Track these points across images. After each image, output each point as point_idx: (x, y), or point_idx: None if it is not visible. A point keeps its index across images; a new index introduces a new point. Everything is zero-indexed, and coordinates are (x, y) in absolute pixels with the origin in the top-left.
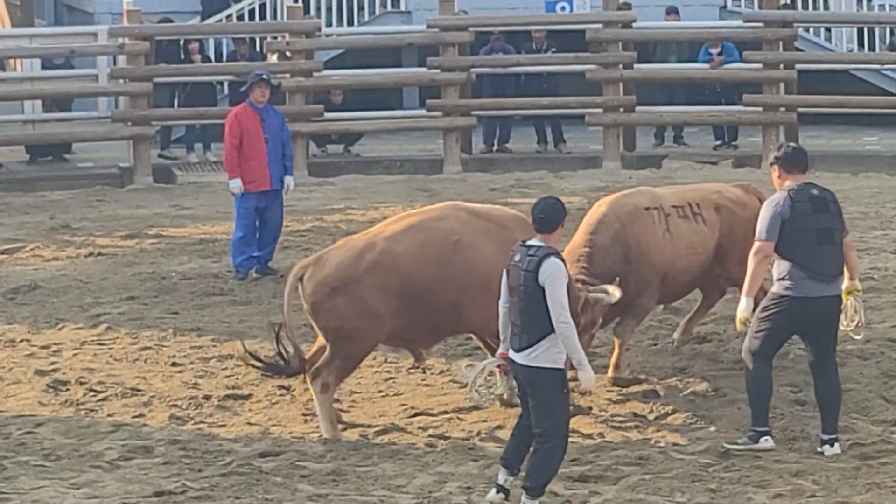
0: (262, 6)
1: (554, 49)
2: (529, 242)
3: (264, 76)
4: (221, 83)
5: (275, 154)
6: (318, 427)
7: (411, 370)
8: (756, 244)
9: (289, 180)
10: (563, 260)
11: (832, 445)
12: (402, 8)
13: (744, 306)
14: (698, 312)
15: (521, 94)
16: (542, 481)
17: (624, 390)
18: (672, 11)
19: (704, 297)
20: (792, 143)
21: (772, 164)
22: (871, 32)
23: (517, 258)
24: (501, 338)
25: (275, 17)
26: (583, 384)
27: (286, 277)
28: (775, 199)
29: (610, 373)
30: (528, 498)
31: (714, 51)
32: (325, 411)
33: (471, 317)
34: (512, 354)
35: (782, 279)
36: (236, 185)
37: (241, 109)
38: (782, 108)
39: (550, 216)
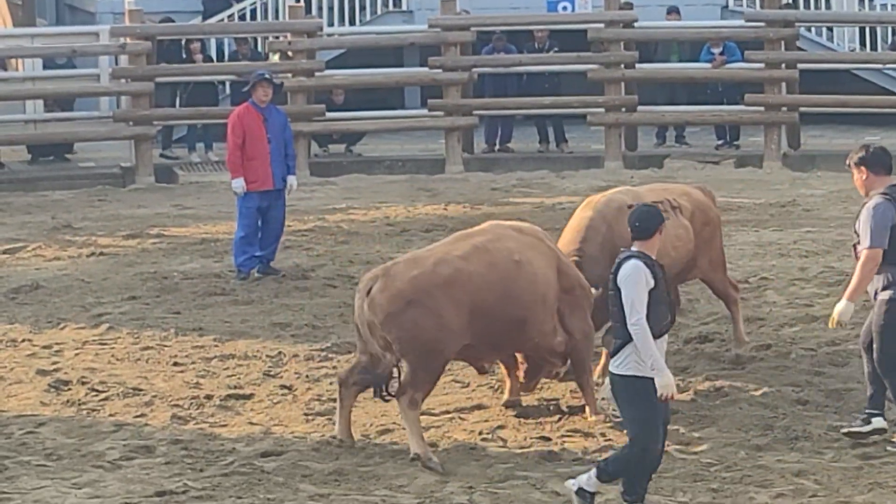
0: (264, 6)
1: (556, 49)
2: (631, 248)
3: (267, 76)
4: (223, 83)
5: (277, 153)
6: (319, 426)
7: None
8: (865, 252)
9: (291, 180)
10: (648, 263)
11: (880, 419)
12: (404, 7)
13: (842, 309)
14: None
15: (524, 94)
16: (610, 472)
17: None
18: (673, 11)
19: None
20: (877, 144)
21: (857, 164)
22: (873, 32)
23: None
24: None
25: (276, 16)
26: (659, 390)
27: (287, 276)
28: (879, 205)
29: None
30: (595, 477)
31: (716, 50)
32: (415, 427)
33: (531, 333)
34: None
35: (887, 288)
36: (239, 184)
37: (243, 109)
38: (784, 108)
39: (646, 224)
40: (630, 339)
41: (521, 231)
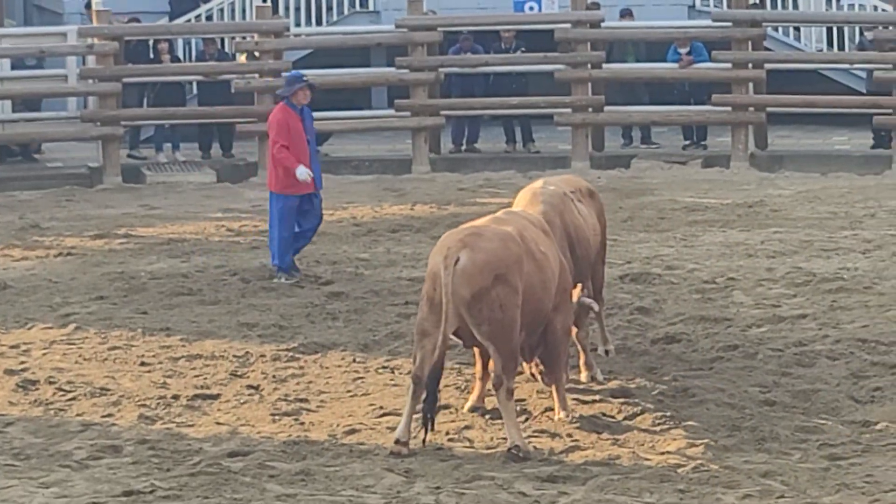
0: (231, 6)
1: (523, 49)
2: None
3: (308, 80)
4: (190, 83)
5: (314, 154)
6: (286, 426)
7: (380, 370)
8: None
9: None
10: None
11: None
12: (371, 8)
13: None
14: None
15: (491, 94)
16: None
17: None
18: (626, 13)
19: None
20: None
21: None
22: (840, 32)
23: None
24: None
25: (243, 17)
26: None
27: (254, 277)
28: None
29: (584, 375)
30: None
31: (683, 50)
32: (513, 418)
33: (542, 325)
34: None
35: None
36: (304, 171)
37: (283, 110)
38: (751, 108)
39: None
40: None
41: (532, 223)
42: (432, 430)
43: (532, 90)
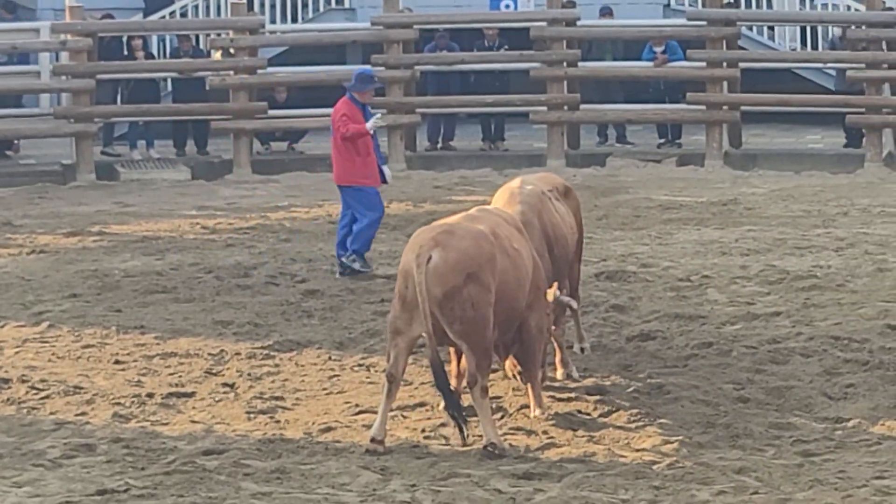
0: (206, 2)
1: (506, 47)
2: None
3: (376, 78)
4: (165, 80)
5: (378, 149)
6: (261, 424)
7: (355, 368)
8: None
9: (386, 170)
10: None
11: None
12: (347, 5)
13: None
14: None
15: (471, 92)
16: None
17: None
18: (606, 12)
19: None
20: None
21: None
22: (814, 31)
23: None
24: None
25: (218, 13)
26: None
27: (230, 275)
28: None
29: (559, 373)
30: None
31: (658, 49)
32: (488, 416)
33: (516, 323)
34: None
35: None
36: (373, 119)
37: (347, 104)
38: (725, 107)
39: None
40: None
41: (506, 220)
42: (466, 423)
43: (514, 88)
